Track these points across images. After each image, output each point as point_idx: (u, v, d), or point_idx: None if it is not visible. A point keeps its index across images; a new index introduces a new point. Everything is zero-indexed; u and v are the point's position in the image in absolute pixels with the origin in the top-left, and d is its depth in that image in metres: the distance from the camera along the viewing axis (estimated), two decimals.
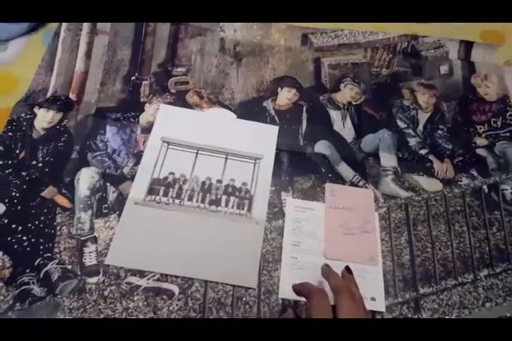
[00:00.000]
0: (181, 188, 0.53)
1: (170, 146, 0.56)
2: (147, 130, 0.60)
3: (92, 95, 0.63)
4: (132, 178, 0.55)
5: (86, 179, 0.54)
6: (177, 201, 0.53)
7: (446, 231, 0.56)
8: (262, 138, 0.59)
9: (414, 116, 0.69)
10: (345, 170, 0.61)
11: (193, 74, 0.68)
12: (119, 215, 0.52)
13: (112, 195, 0.54)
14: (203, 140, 0.57)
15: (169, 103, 0.63)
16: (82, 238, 0.50)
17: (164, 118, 0.59)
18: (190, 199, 0.53)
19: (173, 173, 0.54)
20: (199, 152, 0.56)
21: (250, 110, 0.66)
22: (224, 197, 0.53)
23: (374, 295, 0.49)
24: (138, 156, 0.58)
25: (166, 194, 0.53)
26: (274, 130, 0.62)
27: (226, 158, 0.56)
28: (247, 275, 0.47)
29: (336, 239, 0.53)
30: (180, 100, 0.64)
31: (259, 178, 0.55)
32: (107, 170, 0.56)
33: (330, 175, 0.60)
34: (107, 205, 0.53)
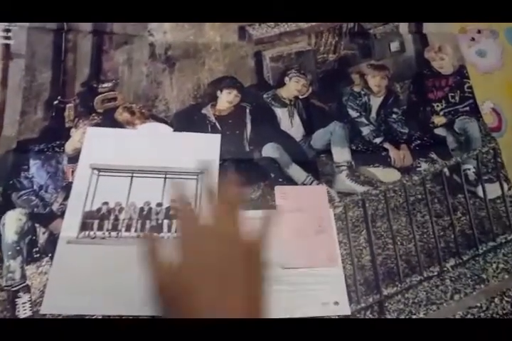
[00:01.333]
0: (117, 218, 0.52)
1: (101, 173, 0.54)
2: (75, 158, 0.59)
3: (11, 128, 0.62)
4: (63, 215, 0.55)
5: (12, 223, 0.53)
6: (113, 234, 0.51)
7: (408, 223, 0.57)
8: (203, 150, 0.58)
9: (366, 103, 0.69)
10: (296, 172, 0.61)
11: (121, 89, 0.67)
12: (52, 258, 0.51)
13: (42, 236, 0.53)
14: (138, 161, 0.55)
15: (97, 124, 0.62)
16: (14, 288, 0.49)
17: (92, 143, 0.57)
18: (128, 229, 0.51)
19: (106, 203, 0.53)
20: (134, 175, 0.54)
21: (188, 120, 0.66)
22: (166, 222, 0.52)
23: (337, 299, 0.49)
24: (67, 189, 0.57)
25: (100, 227, 0.51)
26: (215, 139, 0.61)
27: (165, 178, 0.54)
28: None
29: (291, 246, 0.53)
30: (108, 120, 0.63)
31: (203, 196, 0.52)
32: (35, 209, 0.55)
33: (280, 179, 0.60)
34: (37, 248, 0.52)
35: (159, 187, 0.53)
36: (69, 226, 0.51)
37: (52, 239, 0.53)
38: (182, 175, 0.55)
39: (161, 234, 0.51)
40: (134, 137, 0.59)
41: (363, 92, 0.70)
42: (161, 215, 0.52)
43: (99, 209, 0.53)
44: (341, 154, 0.63)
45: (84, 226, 0.52)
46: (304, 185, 0.59)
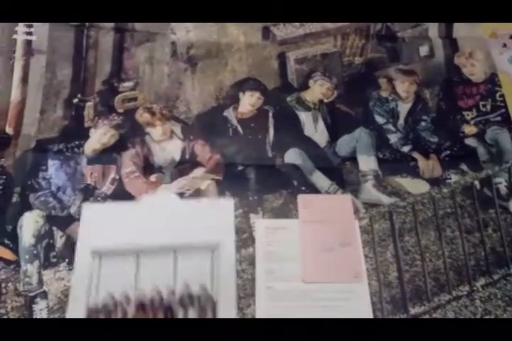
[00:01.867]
0: (125, 313, 0.45)
1: (103, 259, 0.47)
2: (93, 160, 0.59)
3: (30, 126, 0.61)
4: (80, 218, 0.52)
5: (30, 225, 0.52)
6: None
7: (437, 238, 0.55)
8: (215, 218, 0.51)
9: (394, 109, 0.67)
10: (319, 179, 0.59)
11: (142, 88, 0.66)
12: (70, 263, 0.50)
13: (59, 240, 0.52)
14: (143, 237, 0.48)
15: (117, 125, 0.60)
16: (31, 294, 0.48)
17: (90, 221, 0.51)
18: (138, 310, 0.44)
19: (112, 295, 0.45)
20: (140, 255, 0.47)
21: (209, 122, 0.64)
22: (180, 311, 0.45)
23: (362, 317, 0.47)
24: (85, 191, 0.56)
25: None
26: (228, 204, 0.53)
27: (175, 256, 0.47)
28: None
29: (314, 259, 0.51)
30: (129, 120, 0.62)
31: (220, 274, 0.46)
32: (52, 211, 0.54)
33: (303, 187, 0.58)
34: (55, 253, 0.52)
35: (169, 269, 0.47)
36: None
37: (70, 244, 0.52)
38: (194, 251, 0.48)
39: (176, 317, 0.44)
40: (136, 210, 0.52)
41: (390, 98, 0.68)
42: (174, 303, 0.45)
43: (105, 305, 0.46)
44: (367, 162, 0.61)
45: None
46: (328, 193, 0.58)
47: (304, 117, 0.65)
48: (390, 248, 0.54)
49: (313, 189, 0.58)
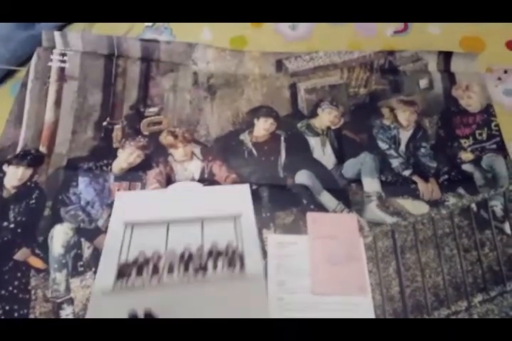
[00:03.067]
0: (157, 266, 0.49)
1: (135, 229, 0.53)
2: (120, 178, 0.64)
3: (63, 146, 0.67)
4: (107, 231, 0.56)
5: (60, 236, 0.57)
6: (154, 280, 0.48)
7: (436, 256, 0.59)
8: (235, 199, 0.58)
9: (396, 136, 0.73)
10: (327, 199, 0.64)
11: (166, 114, 0.72)
12: (95, 272, 0.52)
13: (86, 250, 0.56)
14: (172, 213, 0.55)
15: (143, 146, 0.67)
16: (58, 300, 0.53)
17: (123, 205, 0.58)
18: (170, 271, 0.49)
19: (143, 252, 0.51)
20: (170, 225, 0.53)
21: (227, 145, 0.70)
22: (210, 262, 0.50)
23: None
24: (112, 207, 0.61)
25: (139, 272, 0.49)
26: (245, 189, 0.60)
27: (202, 224, 0.54)
28: None
29: (322, 272, 0.56)
30: (153, 142, 0.68)
31: (243, 234, 0.53)
32: (81, 224, 0.57)
33: (312, 206, 0.63)
34: (82, 262, 0.54)
35: (197, 233, 0.53)
36: (103, 278, 0.49)
37: (96, 254, 0.56)
38: (219, 220, 0.55)
39: (206, 274, 0.50)
40: (164, 197, 0.59)
41: (392, 126, 0.73)
42: (203, 258, 0.51)
43: (135, 261, 0.51)
44: (371, 184, 0.66)
45: (121, 274, 0.49)
46: (335, 212, 0.62)
47: (313, 142, 0.71)
48: (393, 264, 0.58)
49: (321, 208, 0.63)
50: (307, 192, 0.65)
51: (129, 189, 0.63)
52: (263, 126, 0.69)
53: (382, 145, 0.72)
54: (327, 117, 0.73)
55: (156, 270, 0.48)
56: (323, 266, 0.56)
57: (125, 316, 0.45)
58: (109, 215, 0.60)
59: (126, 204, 0.57)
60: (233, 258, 0.50)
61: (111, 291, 0.48)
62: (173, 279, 0.48)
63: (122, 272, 0.49)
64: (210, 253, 0.51)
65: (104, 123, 0.67)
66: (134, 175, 0.63)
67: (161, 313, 0.45)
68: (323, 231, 0.59)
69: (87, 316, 0.47)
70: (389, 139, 0.72)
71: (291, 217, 0.61)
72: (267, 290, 0.50)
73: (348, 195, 0.64)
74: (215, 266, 0.49)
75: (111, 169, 0.63)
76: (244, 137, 0.69)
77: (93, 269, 0.55)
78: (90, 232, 0.57)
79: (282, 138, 0.69)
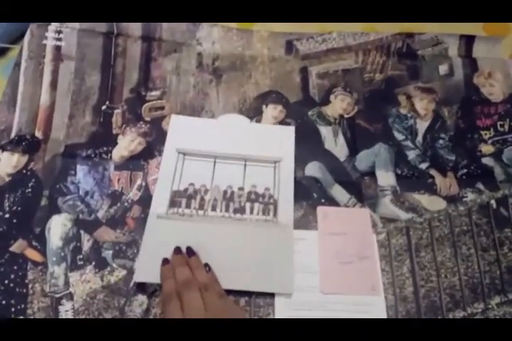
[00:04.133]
0: (203, 199, 0.57)
1: (186, 157, 0.60)
2: (121, 166, 0.62)
3: (59, 131, 0.64)
4: (108, 222, 0.55)
5: (58, 228, 0.55)
6: (200, 212, 0.56)
7: (452, 255, 0.57)
8: (278, 141, 0.62)
9: (413, 126, 0.70)
10: (339, 192, 0.62)
11: (168, 98, 0.69)
12: (96, 266, 0.52)
13: (86, 243, 0.55)
14: (219, 147, 0.60)
15: (144, 133, 0.64)
16: (57, 295, 0.51)
17: (176, 129, 0.63)
18: (213, 209, 0.56)
19: (193, 184, 0.58)
20: (217, 160, 0.59)
21: None
22: (248, 205, 0.57)
23: None
24: (113, 197, 0.59)
25: (188, 205, 0.56)
26: (290, 131, 0.64)
27: (245, 165, 0.59)
28: (283, 281, 0.51)
29: (332, 270, 0.54)
30: (156, 128, 0.63)
31: (281, 181, 0.58)
32: (80, 215, 0.56)
33: (323, 200, 0.61)
34: (81, 256, 0.53)
35: (240, 173, 0.59)
36: (159, 203, 0.56)
37: (96, 247, 0.55)
38: (261, 162, 0.60)
39: (244, 215, 0.57)
40: (214, 126, 0.64)
41: (409, 115, 0.70)
42: (243, 198, 0.58)
43: (186, 190, 0.58)
44: (386, 178, 0.64)
45: (173, 203, 0.56)
46: (347, 207, 0.60)
47: (325, 131, 0.68)
48: (407, 263, 0.56)
49: (332, 202, 0.61)
50: (317, 185, 0.62)
51: (130, 179, 0.61)
52: (272, 114, 0.66)
53: (398, 136, 0.69)
54: (340, 105, 0.70)
55: (202, 205, 0.57)
56: (333, 264, 0.55)
57: (176, 239, 0.53)
58: (110, 206, 0.58)
59: (179, 130, 0.62)
60: (268, 204, 0.57)
61: (165, 216, 0.55)
62: (216, 213, 0.56)
63: (174, 200, 0.57)
64: (249, 195, 0.58)
65: (103, 108, 0.64)
66: (135, 163, 0.61)
67: (205, 241, 0.53)
68: (334, 227, 0.58)
69: (145, 234, 0.54)
70: (405, 129, 0.70)
71: (300, 212, 0.59)
72: (292, 236, 0.55)
73: (360, 189, 0.62)
74: (251, 210, 0.57)
75: (111, 157, 0.60)
76: None
77: (93, 263, 0.54)
78: (90, 224, 0.55)
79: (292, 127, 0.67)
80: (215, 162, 0.59)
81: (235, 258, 0.52)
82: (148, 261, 0.50)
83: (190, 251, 0.50)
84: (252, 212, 0.56)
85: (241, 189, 0.58)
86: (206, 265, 0.49)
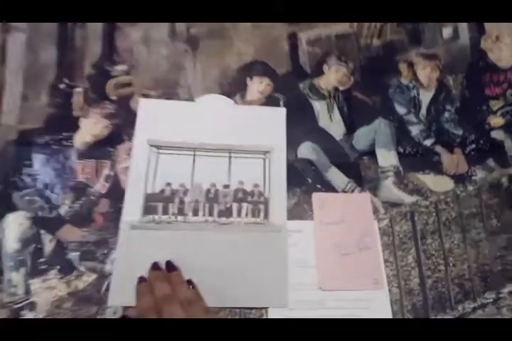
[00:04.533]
0: (183, 201, 0.50)
1: (161, 151, 0.51)
2: (85, 154, 0.54)
3: (11, 115, 0.56)
4: (72, 220, 0.50)
5: (14, 228, 0.49)
6: (180, 218, 0.49)
7: (461, 241, 0.53)
8: (267, 125, 0.55)
9: (416, 97, 0.64)
10: (336, 176, 0.56)
11: (137, 73, 0.61)
12: (61, 271, 0.47)
13: (48, 244, 0.49)
14: (199, 137, 0.52)
15: (110, 114, 0.56)
16: (16, 305, 0.46)
17: (146, 116, 0.54)
18: (195, 213, 0.49)
19: (170, 184, 0.50)
20: (196, 153, 0.51)
21: None
22: (235, 205, 0.50)
23: None
24: (77, 190, 0.52)
25: (165, 211, 0.49)
26: (280, 113, 0.56)
27: (230, 157, 0.52)
28: (277, 295, 0.46)
29: (331, 264, 0.49)
30: (123, 109, 0.57)
31: (272, 176, 0.51)
32: (39, 212, 0.50)
33: (318, 185, 0.55)
34: (43, 259, 0.47)
35: (225, 167, 0.51)
36: (131, 210, 0.49)
37: (60, 249, 0.49)
38: (248, 153, 0.52)
39: (230, 218, 0.50)
40: (192, 110, 0.55)
41: (411, 85, 0.64)
42: (229, 198, 0.50)
43: (162, 191, 0.50)
44: (387, 157, 0.58)
45: (148, 209, 0.49)
46: (345, 192, 0.55)
47: (318, 106, 0.61)
48: (412, 251, 0.52)
49: (329, 187, 0.55)
50: (312, 168, 0.56)
51: (96, 169, 0.53)
52: (257, 88, 0.60)
53: (400, 110, 0.62)
54: (334, 76, 0.63)
55: (181, 210, 0.49)
56: (332, 257, 0.50)
57: (153, 250, 0.46)
58: (74, 201, 0.51)
59: (149, 117, 0.53)
60: (258, 204, 0.50)
61: (139, 225, 0.48)
62: (198, 218, 0.49)
63: (149, 206, 0.49)
64: (236, 193, 0.51)
65: (62, 86, 0.57)
66: (101, 150, 0.54)
67: (187, 252, 0.46)
68: (332, 216, 0.52)
69: (117, 249, 0.47)
70: (407, 102, 0.63)
71: (293, 200, 0.53)
72: (286, 241, 0.49)
73: (359, 171, 0.57)
74: (239, 212, 0.50)
75: (72, 143, 0.54)
76: (235, 102, 0.60)
77: (57, 267, 0.48)
78: (51, 222, 0.49)
79: (281, 102, 0.60)
80: (194, 155, 0.51)
81: (222, 271, 0.46)
82: (123, 280, 0.44)
83: (171, 266, 0.44)
84: (239, 214, 0.50)
85: (226, 187, 0.51)
86: (189, 282, 0.42)
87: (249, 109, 0.57)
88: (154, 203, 0.49)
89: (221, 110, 0.56)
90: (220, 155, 0.52)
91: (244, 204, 0.50)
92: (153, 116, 0.54)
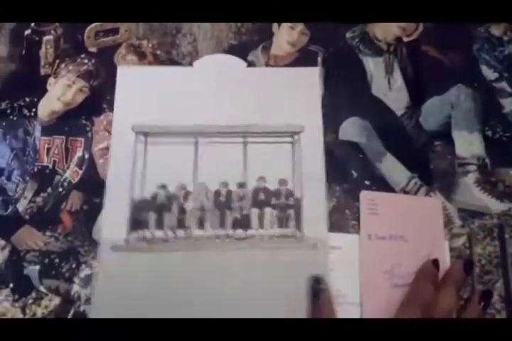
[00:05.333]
0: (183, 210, 0.38)
1: (149, 139, 0.39)
2: (52, 129, 0.42)
3: None
4: (32, 220, 0.39)
5: None
6: (180, 233, 0.37)
7: None
8: (297, 94, 0.41)
9: (511, 57, 0.48)
10: (393, 168, 0.41)
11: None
12: (14, 291, 0.36)
13: (0, 254, 0.37)
14: (201, 117, 0.39)
15: (87, 72, 0.44)
16: None
17: (128, 91, 0.41)
18: (200, 225, 0.37)
19: (164, 186, 0.38)
20: (199, 140, 0.39)
21: None
22: (254, 212, 0.38)
23: None
24: (40, 178, 0.40)
25: (160, 224, 0.37)
26: (314, 74, 0.43)
27: (245, 142, 0.39)
28: None
29: (380, 296, 0.36)
30: (105, 65, 0.44)
31: (304, 167, 0.39)
32: None
33: (367, 181, 0.41)
34: None
35: (238, 158, 0.39)
36: (112, 224, 0.37)
37: (16, 259, 0.37)
38: (270, 136, 0.39)
39: (249, 231, 0.37)
40: (190, 77, 0.42)
41: (506, 38, 0.48)
42: (246, 202, 0.38)
43: (154, 197, 0.38)
44: (468, 143, 0.42)
45: (136, 223, 0.37)
46: (406, 192, 0.40)
47: (372, 65, 0.46)
48: (498, 286, 0.37)
49: (382, 184, 0.40)
50: (359, 156, 0.42)
51: (66, 149, 0.41)
52: (287, 38, 0.46)
53: (489, 73, 0.47)
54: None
55: (182, 221, 0.37)
56: (383, 287, 0.36)
57: (143, 279, 0.35)
58: (36, 193, 0.39)
59: (132, 90, 0.41)
60: (286, 208, 0.38)
61: (124, 245, 0.36)
62: (205, 232, 0.37)
63: (137, 218, 0.37)
64: (256, 195, 0.38)
65: (27, 32, 0.45)
66: (73, 124, 0.42)
67: (189, 281, 0.35)
68: (385, 228, 0.38)
69: (94, 280, 0.36)
70: (500, 63, 0.48)
71: (331, 202, 0.39)
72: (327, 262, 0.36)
73: (428, 162, 0.42)
74: (261, 222, 0.37)
75: (36, 113, 0.42)
76: (256, 57, 0.46)
77: (10, 285, 0.36)
78: (5, 222, 0.38)
79: (319, 58, 0.46)
80: (196, 143, 0.38)
81: (237, 306, 0.34)
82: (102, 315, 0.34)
83: None
84: (261, 225, 0.37)
85: (242, 185, 0.38)
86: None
87: (270, 72, 0.44)
88: (145, 213, 0.37)
89: (230, 75, 0.42)
90: (232, 141, 0.39)
91: (268, 210, 0.38)
92: (138, 91, 0.41)
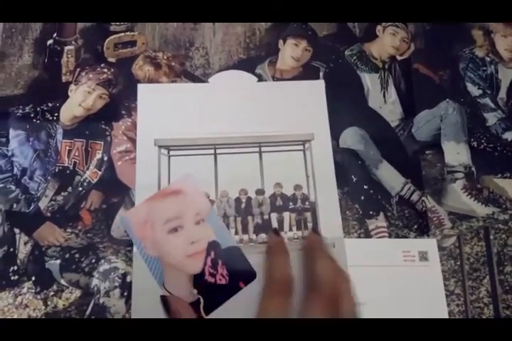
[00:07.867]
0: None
1: (172, 152, 0.40)
2: (73, 132, 0.42)
3: None
4: (53, 217, 0.39)
5: None
6: None
7: None
8: (303, 105, 0.43)
9: (493, 75, 0.50)
10: (389, 174, 0.43)
11: (142, 29, 0.48)
12: (37, 284, 0.36)
13: (22, 248, 0.37)
14: (218, 129, 0.41)
15: (107, 80, 0.44)
16: None
17: (149, 105, 0.42)
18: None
19: None
20: (218, 151, 0.40)
21: None
22: (274, 216, 0.39)
23: None
24: (61, 178, 0.40)
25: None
26: (319, 87, 0.44)
27: (260, 153, 0.40)
28: None
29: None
30: (123, 74, 0.45)
31: (316, 172, 0.40)
32: (14, 205, 0.39)
33: (365, 186, 0.42)
34: (15, 267, 0.37)
35: (255, 166, 0.40)
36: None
37: (38, 255, 0.37)
38: (283, 145, 0.41)
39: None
40: (206, 92, 0.43)
41: (488, 59, 0.50)
42: (265, 207, 0.39)
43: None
44: (456, 153, 0.44)
45: None
46: (401, 197, 0.42)
47: (369, 81, 0.48)
48: (485, 282, 0.38)
49: (380, 189, 0.42)
50: (357, 163, 0.43)
51: (86, 151, 0.41)
52: (292, 53, 0.47)
53: (473, 90, 0.49)
54: (390, 41, 0.50)
55: None
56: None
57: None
58: (57, 192, 0.39)
59: (154, 109, 0.42)
60: (303, 211, 0.39)
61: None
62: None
63: None
64: (273, 200, 0.39)
65: (50, 42, 0.45)
66: (93, 128, 0.43)
67: None
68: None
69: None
70: (483, 80, 0.49)
71: None
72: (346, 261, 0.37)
73: (420, 169, 0.43)
74: (281, 225, 0.38)
75: (58, 117, 0.42)
76: (263, 70, 0.47)
77: (33, 278, 0.37)
78: (28, 219, 0.38)
79: (321, 73, 0.47)
80: (215, 154, 0.39)
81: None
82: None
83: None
84: (281, 228, 0.38)
85: (260, 192, 0.39)
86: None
87: (278, 85, 0.45)
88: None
89: (242, 90, 0.44)
90: (248, 151, 0.40)
91: (286, 214, 0.39)
92: (158, 107, 0.42)
